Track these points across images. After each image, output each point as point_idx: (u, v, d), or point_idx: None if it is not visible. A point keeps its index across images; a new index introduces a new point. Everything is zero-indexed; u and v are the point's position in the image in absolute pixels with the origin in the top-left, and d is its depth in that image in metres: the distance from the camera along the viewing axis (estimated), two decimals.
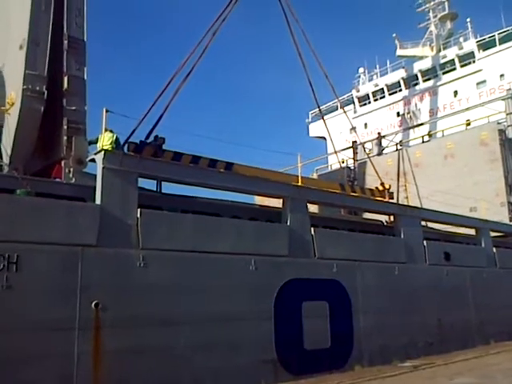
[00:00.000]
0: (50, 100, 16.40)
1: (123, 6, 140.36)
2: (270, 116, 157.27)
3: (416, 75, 45.32)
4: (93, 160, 14.07)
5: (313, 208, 20.45)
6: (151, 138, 19.02)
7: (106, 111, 15.36)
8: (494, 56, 40.73)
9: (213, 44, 22.79)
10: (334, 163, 40.92)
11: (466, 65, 42.26)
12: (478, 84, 41.24)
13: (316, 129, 51.93)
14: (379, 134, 41.41)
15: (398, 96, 46.50)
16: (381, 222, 24.38)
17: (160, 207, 15.19)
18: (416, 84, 45.39)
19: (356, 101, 49.94)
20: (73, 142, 16.01)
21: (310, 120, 53.98)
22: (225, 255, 14.87)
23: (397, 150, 38.16)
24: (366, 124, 48.45)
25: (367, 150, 36.20)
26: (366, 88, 49.51)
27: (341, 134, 45.72)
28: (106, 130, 15.46)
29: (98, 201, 13.10)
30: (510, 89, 37.85)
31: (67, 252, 11.95)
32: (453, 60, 42.98)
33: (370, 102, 48.98)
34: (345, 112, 34.79)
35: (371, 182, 31.26)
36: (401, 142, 40.32)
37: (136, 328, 12.46)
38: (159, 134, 18.88)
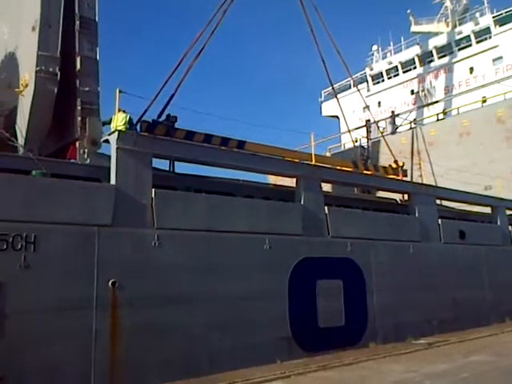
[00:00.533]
0: (63, 81, 16.42)
1: None
2: (283, 96, 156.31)
3: (431, 52, 44.64)
4: (107, 141, 14.14)
5: (326, 187, 20.39)
6: (164, 117, 19.03)
7: (120, 92, 15.37)
8: (511, 31, 40.03)
9: (225, 24, 22.77)
10: (347, 142, 40.78)
11: (481, 41, 41.54)
12: (494, 60, 40.55)
13: (329, 108, 51.53)
14: (393, 112, 41.09)
15: (413, 74, 45.86)
16: (395, 200, 24.29)
17: (174, 187, 15.22)
18: (431, 61, 44.74)
19: (369, 79, 49.37)
20: (87, 123, 16.04)
21: (322, 99, 53.51)
22: (239, 234, 14.93)
23: (411, 128, 37.96)
24: (379, 102, 47.97)
25: (381, 129, 35.95)
26: (380, 66, 48.93)
27: (354, 112, 45.35)
28: (119, 111, 15.47)
29: (112, 181, 13.18)
30: None
31: (83, 232, 12.07)
32: (468, 36, 42.27)
33: (383, 80, 48.42)
34: (358, 90, 34.63)
35: (385, 160, 31.18)
36: (415, 120, 39.92)
37: (152, 306, 12.57)
38: (171, 113, 18.88)
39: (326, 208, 17.51)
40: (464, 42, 42.96)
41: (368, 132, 37.27)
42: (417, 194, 21.57)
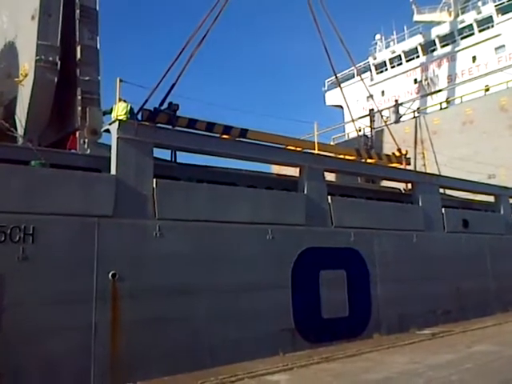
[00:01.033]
0: (63, 71, 16.30)
1: None
2: (287, 84, 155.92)
3: (434, 41, 44.35)
4: (107, 130, 14.01)
5: (330, 176, 20.26)
6: (165, 106, 18.92)
7: (120, 81, 15.23)
8: None
9: (227, 12, 22.61)
10: (350, 132, 40.61)
11: (484, 29, 41.23)
12: (496, 49, 40.26)
13: (332, 97, 51.30)
14: (396, 101, 40.90)
15: (416, 63, 45.62)
16: (398, 189, 24.19)
17: (175, 177, 15.08)
18: (434, 50, 44.46)
19: (373, 68, 49.13)
20: (87, 113, 15.92)
21: (326, 88, 53.30)
22: (241, 225, 14.81)
23: (414, 117, 37.79)
24: (382, 91, 47.74)
25: (384, 118, 35.81)
26: (383, 55, 48.69)
27: (357, 102, 45.21)
28: (120, 100, 15.35)
29: (113, 171, 13.03)
30: None
31: (83, 223, 11.92)
32: (471, 25, 41.96)
33: (386, 69, 48.15)
34: (362, 79, 34.49)
35: (388, 149, 31.15)
36: (418, 109, 39.82)
37: (153, 298, 12.45)
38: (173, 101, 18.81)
39: (329, 198, 17.38)
40: (466, 31, 42.63)
41: (371, 121, 37.16)
42: (420, 183, 21.44)
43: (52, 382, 10.86)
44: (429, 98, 42.04)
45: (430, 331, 16.57)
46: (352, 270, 17.09)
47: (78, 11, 16.74)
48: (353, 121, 31.89)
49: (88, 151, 15.61)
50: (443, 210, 21.62)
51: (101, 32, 17.17)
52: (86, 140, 15.77)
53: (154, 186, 13.39)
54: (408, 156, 30.26)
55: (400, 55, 46.88)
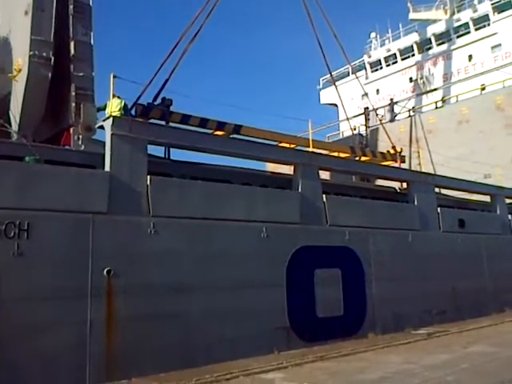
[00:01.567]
0: (57, 66, 16.18)
1: None
2: (282, 82, 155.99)
3: (429, 39, 44.38)
4: (101, 127, 13.94)
5: (324, 175, 20.19)
6: (159, 101, 18.88)
7: (114, 77, 15.13)
8: (510, 18, 39.58)
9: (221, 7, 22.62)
10: (345, 130, 40.56)
11: (480, 28, 41.28)
12: (492, 48, 40.29)
13: (327, 95, 51.26)
14: (391, 100, 40.87)
15: (411, 61, 45.62)
16: (394, 188, 24.14)
17: (169, 174, 15.02)
18: (429, 48, 44.50)
19: (368, 66, 49.12)
20: (81, 109, 15.77)
21: (321, 87, 53.30)
22: (236, 222, 14.74)
23: (409, 116, 37.77)
24: (377, 90, 47.74)
25: (379, 117, 35.80)
26: (378, 53, 48.68)
27: (352, 100, 45.20)
28: (113, 96, 15.27)
29: (107, 168, 12.95)
30: None
31: (78, 219, 11.86)
32: (467, 23, 41.99)
33: (381, 68, 48.17)
34: (357, 77, 34.60)
35: (383, 148, 31.22)
36: (413, 108, 39.77)
37: (148, 295, 12.40)
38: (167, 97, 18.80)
39: (324, 196, 17.31)
40: (462, 29, 42.70)
41: (366, 120, 37.13)
42: (416, 182, 21.40)
43: (48, 378, 10.79)
44: (424, 96, 42.07)
45: (425, 331, 16.53)
46: (347, 268, 17.02)
47: (71, 7, 16.57)
48: (348, 119, 31.86)
49: (82, 147, 15.48)
50: (439, 209, 21.58)
51: (94, 27, 17.07)
52: (80, 136, 15.62)
53: (148, 183, 13.31)
54: (403, 154, 30.28)
55: (395, 53, 46.91)
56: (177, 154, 17.17)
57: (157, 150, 16.49)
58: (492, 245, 23.35)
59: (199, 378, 10.48)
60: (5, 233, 10.76)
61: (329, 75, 32.98)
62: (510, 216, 25.60)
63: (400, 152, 29.81)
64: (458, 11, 44.29)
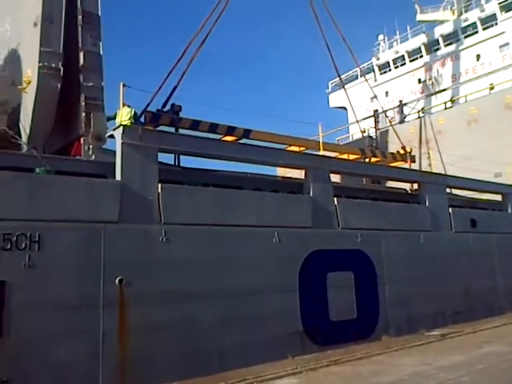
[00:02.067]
0: (67, 77, 16.30)
1: None
2: (290, 84, 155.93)
3: (437, 40, 44.23)
4: (112, 136, 13.94)
5: (335, 178, 20.20)
6: (168, 108, 18.95)
7: (123, 86, 15.25)
8: None
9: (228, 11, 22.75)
10: (355, 133, 40.54)
11: (488, 27, 41.09)
12: (500, 47, 40.10)
13: (336, 99, 51.23)
14: (400, 101, 40.79)
15: (419, 62, 45.49)
16: (405, 190, 24.10)
17: (180, 181, 15.05)
18: (437, 49, 44.35)
19: (376, 69, 49.02)
20: (91, 119, 15.86)
21: (330, 90, 53.23)
22: (247, 228, 14.74)
23: (419, 117, 37.69)
24: (386, 92, 47.63)
25: (389, 118, 35.77)
26: (386, 55, 48.58)
27: (361, 103, 45.06)
28: (123, 105, 15.35)
29: (118, 177, 12.99)
30: None
31: (89, 229, 11.88)
32: (474, 23, 41.83)
33: (390, 70, 48.03)
34: (366, 80, 34.55)
35: (393, 150, 31.09)
36: (423, 109, 39.69)
37: (161, 303, 12.39)
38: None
39: (335, 199, 17.29)
40: (470, 29, 42.50)
41: (376, 122, 37.09)
42: (426, 182, 21.34)
43: None
44: (433, 97, 41.92)
45: (439, 332, 16.50)
46: (359, 271, 16.99)
47: (80, 17, 16.73)
48: (357, 122, 31.86)
49: (93, 157, 15.59)
50: (450, 209, 21.51)
51: (103, 37, 17.19)
52: (91, 146, 15.74)
53: (160, 190, 13.34)
54: (412, 154, 30.25)
55: (403, 55, 46.78)
56: (188, 161, 17.24)
57: (167, 158, 16.57)
58: (504, 244, 23.22)
59: None
60: (16, 245, 10.79)
61: (337, 79, 33.05)
62: None
63: (410, 152, 29.79)
64: (466, 11, 44.10)
